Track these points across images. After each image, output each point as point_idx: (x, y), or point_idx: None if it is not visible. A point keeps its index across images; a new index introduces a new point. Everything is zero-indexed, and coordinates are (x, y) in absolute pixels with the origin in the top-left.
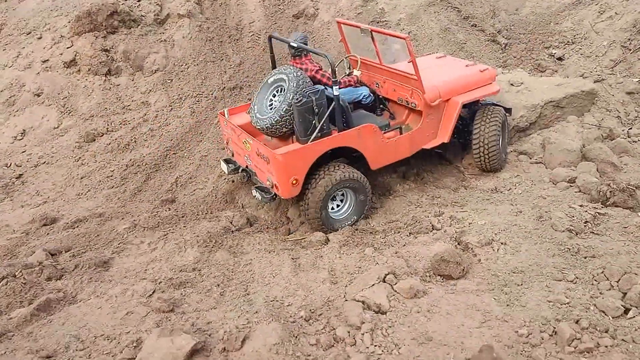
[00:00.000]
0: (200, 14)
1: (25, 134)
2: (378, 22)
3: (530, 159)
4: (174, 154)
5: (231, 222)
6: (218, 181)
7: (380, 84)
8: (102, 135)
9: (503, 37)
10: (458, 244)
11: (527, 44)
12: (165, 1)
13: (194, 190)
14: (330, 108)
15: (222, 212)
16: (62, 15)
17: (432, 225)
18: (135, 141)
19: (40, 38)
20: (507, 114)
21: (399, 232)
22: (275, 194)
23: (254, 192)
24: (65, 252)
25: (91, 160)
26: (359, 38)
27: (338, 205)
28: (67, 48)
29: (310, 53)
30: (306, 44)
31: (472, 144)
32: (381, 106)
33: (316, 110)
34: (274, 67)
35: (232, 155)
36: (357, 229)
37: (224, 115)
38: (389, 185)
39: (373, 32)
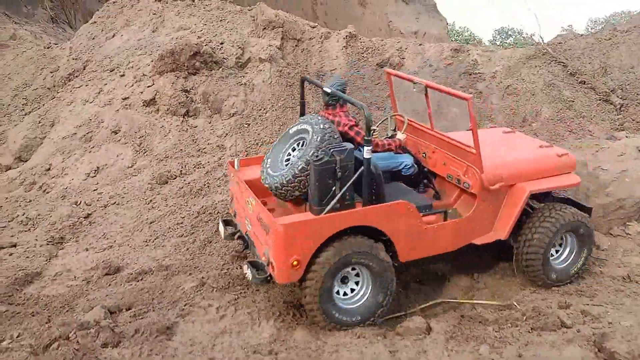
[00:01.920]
0: (281, 59)
1: (98, 172)
2: (471, 74)
3: None
4: None
5: None
6: None
7: (427, 154)
8: (175, 178)
9: (617, 97)
10: (599, 350)
11: None
12: (247, 45)
13: None
14: (357, 174)
15: None
16: (145, 55)
17: (561, 321)
18: (208, 186)
19: (122, 76)
20: (586, 216)
21: (516, 326)
22: (270, 275)
23: (245, 268)
24: (126, 310)
25: (162, 203)
26: (411, 94)
27: (349, 292)
28: (148, 87)
29: (347, 104)
30: (344, 92)
31: (514, 249)
32: (425, 181)
33: (339, 173)
34: (302, 115)
35: (235, 216)
36: (462, 316)
37: (233, 166)
38: (490, 260)
39: (428, 88)
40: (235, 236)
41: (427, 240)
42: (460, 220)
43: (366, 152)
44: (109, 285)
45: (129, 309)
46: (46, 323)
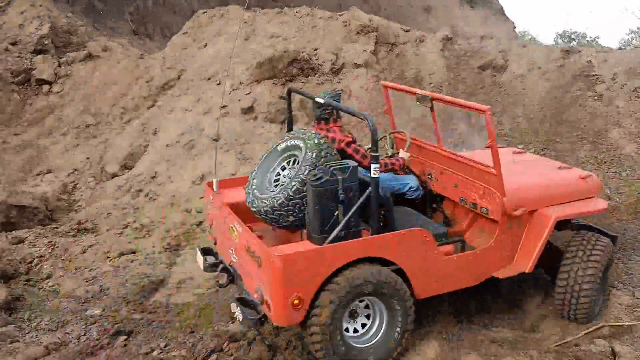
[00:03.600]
0: (376, 64)
1: (204, 179)
2: (586, 76)
3: None
4: None
5: None
6: None
7: (434, 175)
8: None
9: None
10: None
11: None
12: (341, 50)
13: None
14: (364, 196)
15: None
16: (240, 63)
17: None
18: None
19: (219, 84)
20: (612, 244)
21: None
22: (264, 316)
23: (233, 307)
24: None
25: None
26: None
27: (359, 327)
28: (246, 94)
29: (340, 120)
30: (338, 103)
31: (557, 284)
32: (434, 205)
33: (341, 195)
34: (289, 130)
35: (215, 244)
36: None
37: (212, 188)
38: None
39: (435, 101)
40: (219, 268)
41: (447, 274)
42: (483, 250)
43: (373, 170)
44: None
45: None
46: (190, 333)
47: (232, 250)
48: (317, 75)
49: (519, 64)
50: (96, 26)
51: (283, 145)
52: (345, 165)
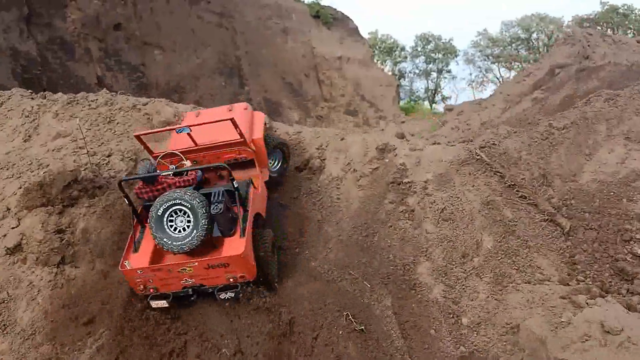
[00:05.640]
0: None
1: None
2: (399, 184)
3: None
4: None
5: None
6: None
7: (198, 161)
8: None
9: (563, 215)
10: None
11: (598, 231)
12: (141, 155)
13: None
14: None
15: None
16: (13, 177)
17: None
18: None
19: None
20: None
21: None
22: (241, 285)
23: (223, 295)
24: None
25: None
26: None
27: None
28: (12, 228)
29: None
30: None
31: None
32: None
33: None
34: (134, 210)
35: (156, 291)
36: None
37: (127, 266)
38: None
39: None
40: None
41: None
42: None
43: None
44: None
45: None
46: None
47: (185, 280)
48: (106, 194)
49: (336, 164)
50: None
51: (161, 210)
52: (219, 191)
